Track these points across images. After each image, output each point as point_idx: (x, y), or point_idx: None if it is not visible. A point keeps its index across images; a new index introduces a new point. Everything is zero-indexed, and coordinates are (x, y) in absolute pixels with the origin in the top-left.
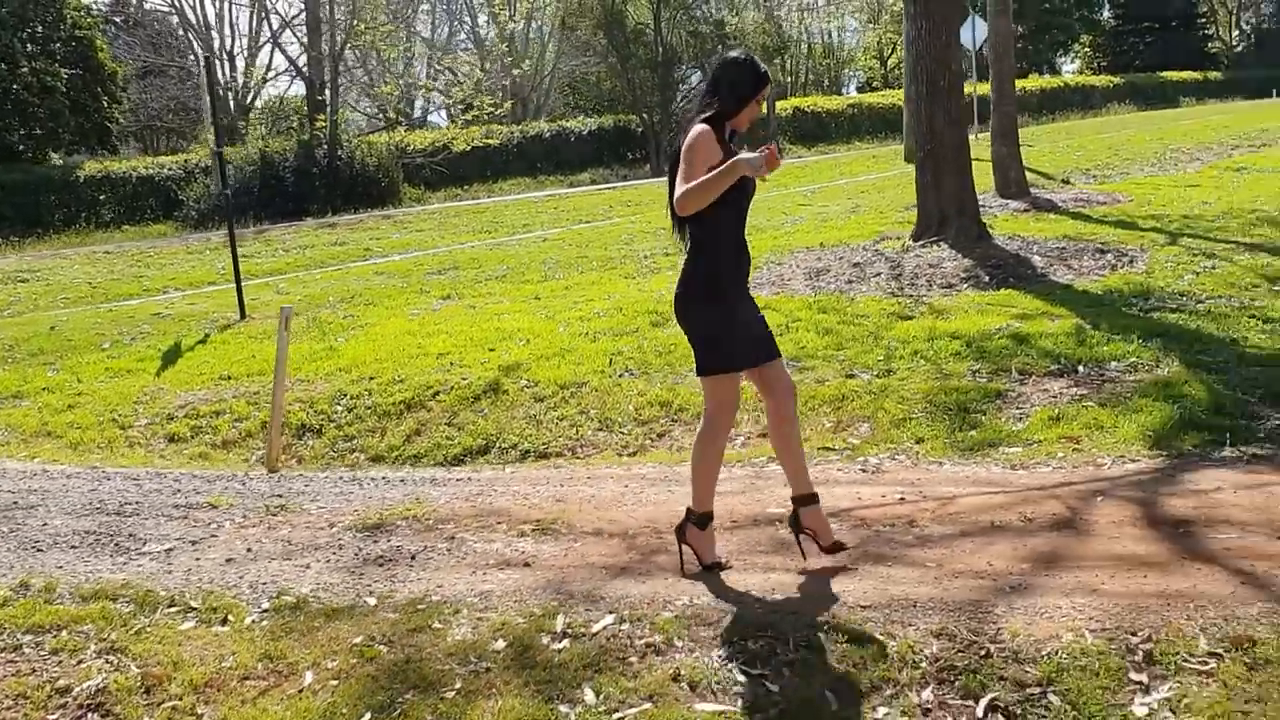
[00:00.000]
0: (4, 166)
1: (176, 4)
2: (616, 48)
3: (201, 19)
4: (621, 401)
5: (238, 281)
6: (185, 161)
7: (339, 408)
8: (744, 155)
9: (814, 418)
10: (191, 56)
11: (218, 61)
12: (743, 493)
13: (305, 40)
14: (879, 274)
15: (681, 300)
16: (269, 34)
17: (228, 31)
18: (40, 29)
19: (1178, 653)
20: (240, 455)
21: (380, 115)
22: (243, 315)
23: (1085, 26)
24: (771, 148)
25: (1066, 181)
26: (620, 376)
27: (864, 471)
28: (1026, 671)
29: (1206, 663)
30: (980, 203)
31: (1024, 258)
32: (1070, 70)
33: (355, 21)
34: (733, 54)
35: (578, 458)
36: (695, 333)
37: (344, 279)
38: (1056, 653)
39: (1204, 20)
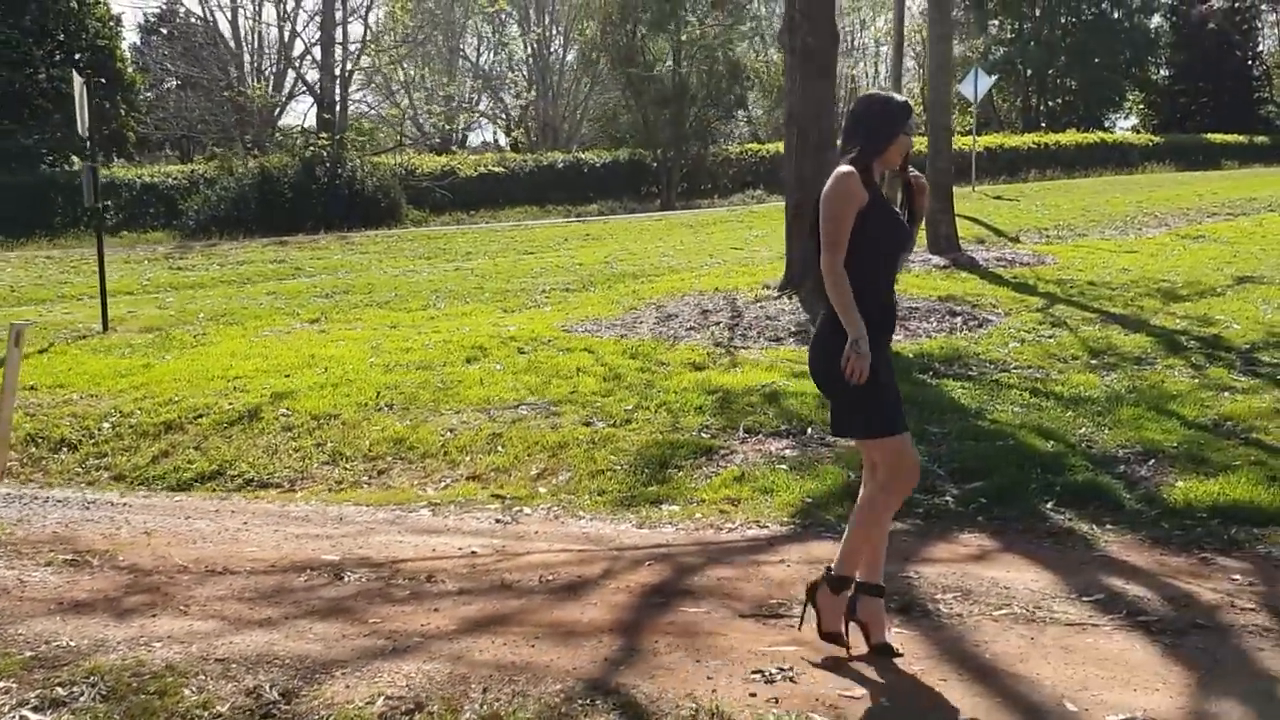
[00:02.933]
0: (9, 169)
1: (208, 18)
2: (631, 82)
3: (234, 34)
4: (361, 436)
5: (103, 295)
6: (191, 172)
7: (106, 424)
8: (862, 350)
9: (527, 463)
10: (217, 70)
11: (250, 77)
12: (351, 537)
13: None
14: (719, 323)
15: (823, 351)
16: (295, 53)
17: (261, 47)
18: (62, 37)
19: None
20: None
21: (414, 137)
22: (105, 328)
23: (1136, 85)
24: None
25: (1015, 240)
26: (377, 411)
27: (498, 522)
28: None
29: None
30: None
31: None
32: (1125, 127)
33: (367, 43)
34: (869, 95)
35: (294, 490)
36: (839, 393)
37: (236, 296)
38: (331, 718)
39: (1259, 83)
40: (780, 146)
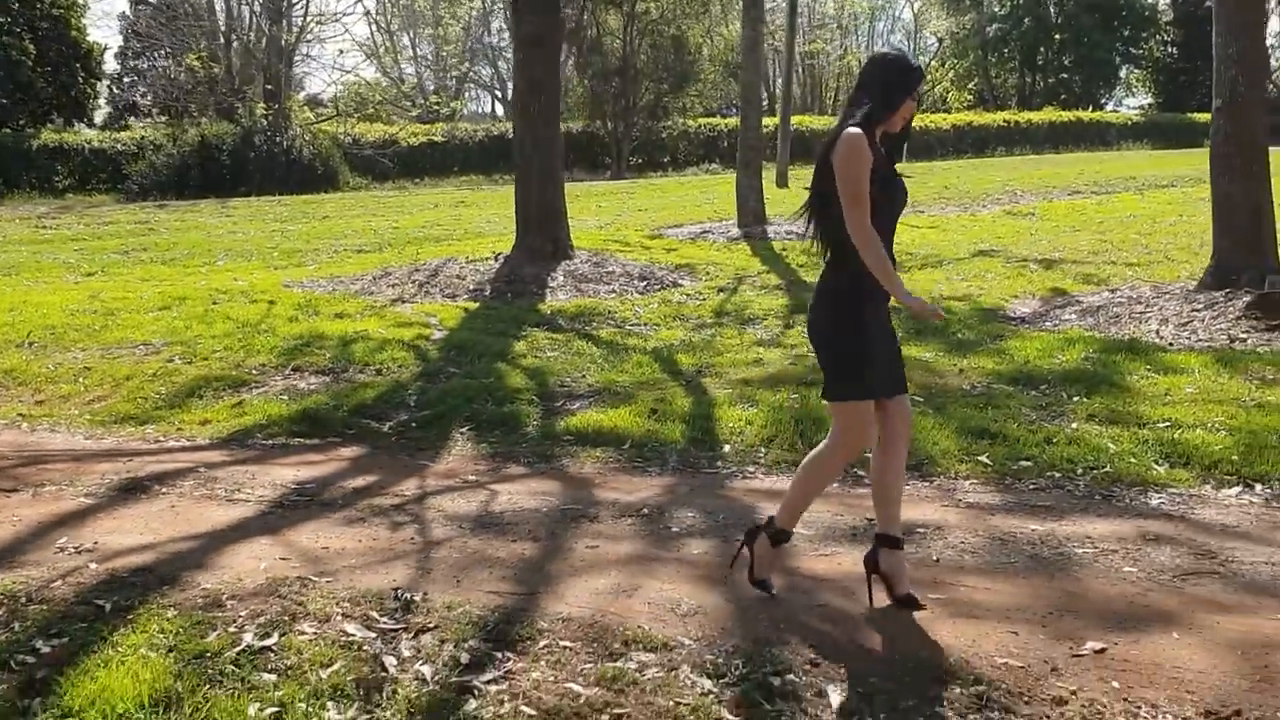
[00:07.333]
0: None
1: None
2: (579, 55)
3: (209, 6)
4: None
5: None
6: (141, 138)
7: None
8: (918, 300)
9: (91, 391)
10: (190, 41)
11: (218, 49)
12: None
13: (268, 31)
14: (420, 282)
15: (819, 316)
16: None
17: (230, 19)
18: (17, 6)
19: None
20: None
21: (403, 104)
22: None
23: (1134, 63)
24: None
25: None
26: (17, 347)
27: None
28: None
29: None
30: (705, 229)
31: (544, 279)
32: (1134, 106)
33: (310, 18)
34: (882, 52)
35: None
36: (829, 352)
37: (47, 251)
38: None
39: None
40: (737, 121)
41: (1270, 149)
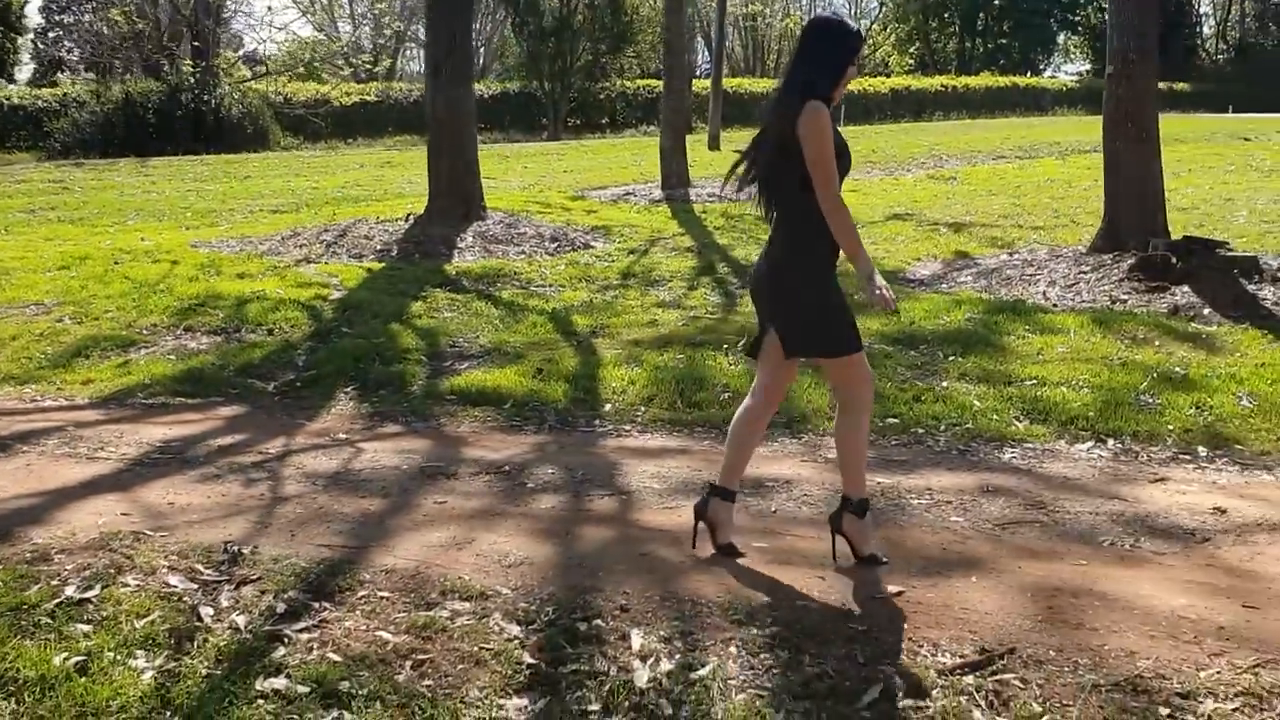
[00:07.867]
0: None
1: None
2: (516, 14)
3: None
4: None
5: None
6: (63, 95)
7: None
8: (878, 283)
9: (10, 351)
10: None
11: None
12: None
13: None
14: (328, 242)
15: (782, 276)
16: None
17: None
18: None
19: None
20: None
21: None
22: None
23: (1067, 29)
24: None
25: None
26: None
27: None
28: None
29: None
30: (629, 191)
31: (454, 240)
32: (1072, 72)
33: None
34: (822, 18)
35: None
36: (803, 313)
37: None
38: None
39: (1189, 30)
40: None
41: (1161, 115)
